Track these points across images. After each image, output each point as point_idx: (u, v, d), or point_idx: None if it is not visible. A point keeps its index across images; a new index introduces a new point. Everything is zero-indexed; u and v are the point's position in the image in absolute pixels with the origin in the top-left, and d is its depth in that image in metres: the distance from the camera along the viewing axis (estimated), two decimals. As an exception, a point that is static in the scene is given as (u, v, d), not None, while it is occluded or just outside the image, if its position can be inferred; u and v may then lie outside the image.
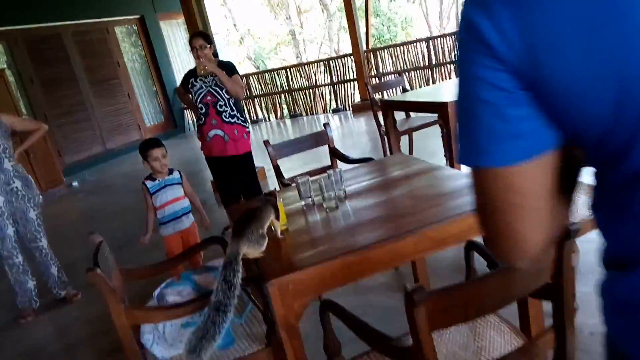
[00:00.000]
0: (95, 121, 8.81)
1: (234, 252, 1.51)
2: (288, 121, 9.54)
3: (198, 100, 3.46)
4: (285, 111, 9.87)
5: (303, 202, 2.03)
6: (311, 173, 3.30)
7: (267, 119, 9.96)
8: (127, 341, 1.51)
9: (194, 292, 1.78)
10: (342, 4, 8.39)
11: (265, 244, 1.61)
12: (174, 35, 10.61)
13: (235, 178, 3.69)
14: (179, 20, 9.64)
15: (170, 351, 1.72)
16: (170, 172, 2.91)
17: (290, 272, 1.44)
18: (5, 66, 7.40)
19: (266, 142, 2.96)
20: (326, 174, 2.01)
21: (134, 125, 9.51)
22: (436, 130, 5.47)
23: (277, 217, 1.72)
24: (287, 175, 2.97)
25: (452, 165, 3.46)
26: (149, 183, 2.85)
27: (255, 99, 9.96)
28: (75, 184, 7.45)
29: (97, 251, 1.74)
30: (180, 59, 10.62)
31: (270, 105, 9.90)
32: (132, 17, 9.65)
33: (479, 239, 1.46)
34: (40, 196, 3.20)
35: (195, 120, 3.65)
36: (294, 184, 2.00)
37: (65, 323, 3.09)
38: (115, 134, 9.09)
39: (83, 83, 8.64)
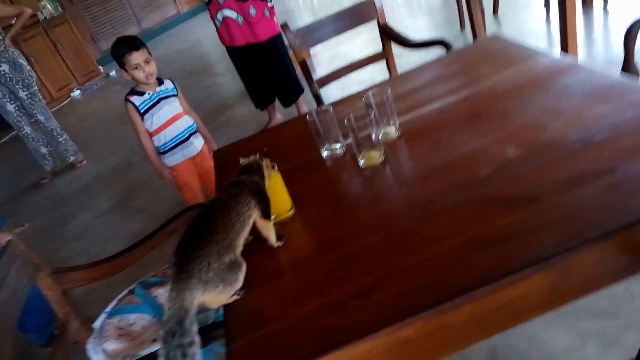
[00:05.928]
0: (125, -3, 7.84)
1: (178, 311, 0.77)
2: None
3: None
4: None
5: (326, 151, 1.19)
6: (355, 65, 2.36)
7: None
8: None
9: (154, 322, 1.11)
10: None
11: (242, 276, 0.85)
12: None
13: (263, 72, 2.83)
14: None
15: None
16: (160, 82, 2.14)
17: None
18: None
19: (284, 27, 2.02)
20: (363, 97, 1.13)
21: (168, -2, 8.45)
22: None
23: (267, 212, 0.93)
24: (325, 68, 2.05)
25: (563, 44, 2.15)
26: (135, 99, 2.09)
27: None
28: (112, 73, 6.83)
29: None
30: None
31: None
32: None
33: None
34: (34, 77, 3.46)
35: None
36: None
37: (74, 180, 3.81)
38: (148, 10, 8.11)
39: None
